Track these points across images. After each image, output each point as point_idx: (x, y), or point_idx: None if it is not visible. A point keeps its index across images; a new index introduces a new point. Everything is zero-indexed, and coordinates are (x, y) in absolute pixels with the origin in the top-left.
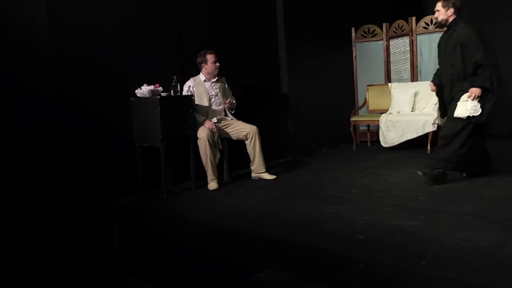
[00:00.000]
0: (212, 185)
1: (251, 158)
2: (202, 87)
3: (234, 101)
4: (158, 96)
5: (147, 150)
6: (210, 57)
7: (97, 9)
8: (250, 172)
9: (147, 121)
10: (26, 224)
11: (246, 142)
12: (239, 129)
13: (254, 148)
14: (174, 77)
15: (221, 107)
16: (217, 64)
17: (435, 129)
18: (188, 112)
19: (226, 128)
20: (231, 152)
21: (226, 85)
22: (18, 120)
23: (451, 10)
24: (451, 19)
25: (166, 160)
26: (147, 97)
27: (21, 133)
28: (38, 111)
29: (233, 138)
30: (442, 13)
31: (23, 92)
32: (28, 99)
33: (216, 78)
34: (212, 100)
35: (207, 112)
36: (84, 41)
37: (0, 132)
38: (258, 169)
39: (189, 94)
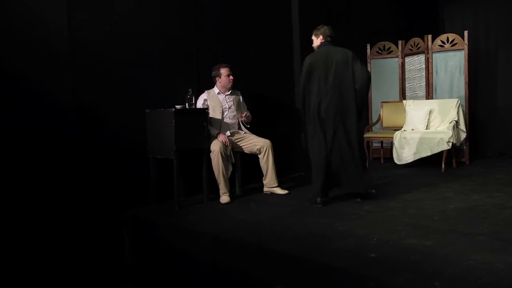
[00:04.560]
0: (224, 198)
1: (264, 172)
2: (216, 100)
3: (249, 115)
4: (173, 109)
5: (160, 162)
6: (224, 71)
7: (116, 22)
8: (262, 186)
9: (161, 133)
10: (38, 233)
11: (259, 156)
12: (252, 142)
13: (267, 162)
14: (189, 89)
15: (234, 120)
16: (231, 77)
17: (450, 147)
18: (202, 125)
19: (239, 141)
20: (244, 166)
21: (241, 99)
22: (34, 129)
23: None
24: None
25: (179, 172)
26: (162, 110)
27: (38, 143)
28: (55, 121)
29: (246, 152)
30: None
31: (41, 102)
32: (45, 108)
33: (230, 91)
34: (226, 113)
35: (220, 125)
36: (102, 54)
37: (16, 141)
38: (271, 184)
39: (204, 107)
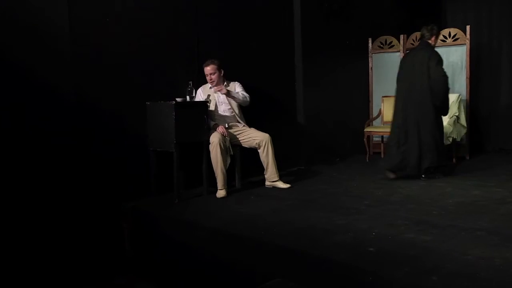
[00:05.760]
0: (221, 193)
1: (265, 166)
2: (209, 93)
3: (241, 95)
4: (174, 102)
5: (160, 155)
6: (204, 70)
7: (117, 13)
8: (262, 180)
9: (161, 126)
10: (38, 225)
11: (259, 150)
12: (251, 137)
13: (267, 157)
14: (190, 82)
15: (231, 114)
16: (209, 77)
17: (450, 142)
18: (202, 118)
19: (238, 135)
20: (244, 159)
21: (236, 88)
22: (34, 121)
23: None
24: None
25: (179, 165)
26: (163, 102)
27: (37, 135)
28: (54, 112)
29: (245, 146)
30: None
31: (41, 93)
32: (45, 100)
33: (225, 85)
34: (219, 107)
35: (215, 116)
36: (103, 45)
37: (16, 133)
38: (272, 178)
39: (204, 100)
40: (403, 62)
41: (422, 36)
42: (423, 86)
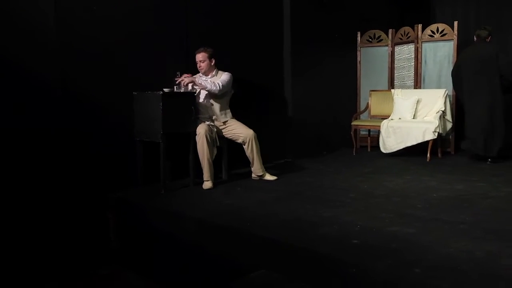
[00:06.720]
0: (207, 184)
1: (250, 161)
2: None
3: (209, 83)
4: (161, 92)
5: (147, 145)
6: (196, 56)
7: (104, 3)
8: (248, 171)
9: (148, 116)
10: (22, 216)
11: (244, 146)
12: (235, 133)
13: (252, 153)
14: (178, 73)
15: (217, 104)
16: (198, 64)
17: (436, 137)
18: (189, 109)
19: (224, 128)
20: (231, 150)
21: (222, 77)
22: (19, 111)
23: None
24: None
25: (166, 155)
26: (150, 93)
27: (22, 124)
28: (40, 102)
29: (231, 140)
30: None
31: (26, 83)
32: (31, 90)
33: (212, 74)
34: (202, 98)
35: (200, 107)
36: (90, 34)
37: (1, 123)
38: (257, 172)
39: (193, 90)
40: (465, 58)
41: (478, 36)
42: (492, 75)
